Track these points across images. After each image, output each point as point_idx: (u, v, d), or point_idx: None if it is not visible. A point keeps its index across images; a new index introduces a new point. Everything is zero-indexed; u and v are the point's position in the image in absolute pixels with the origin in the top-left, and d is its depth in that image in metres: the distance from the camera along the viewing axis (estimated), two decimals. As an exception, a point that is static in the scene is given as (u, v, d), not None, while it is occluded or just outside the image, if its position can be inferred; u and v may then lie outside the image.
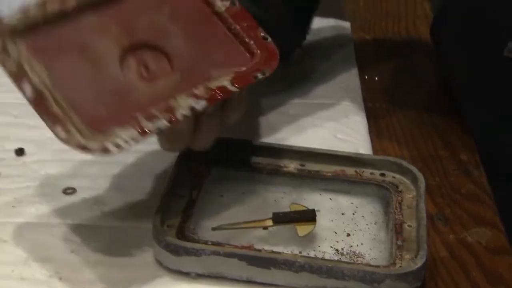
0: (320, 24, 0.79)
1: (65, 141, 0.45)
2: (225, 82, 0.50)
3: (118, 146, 0.45)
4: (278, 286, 0.49)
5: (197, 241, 0.50)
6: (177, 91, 0.49)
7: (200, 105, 0.48)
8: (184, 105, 0.48)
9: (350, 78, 0.72)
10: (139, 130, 0.46)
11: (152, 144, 0.61)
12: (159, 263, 0.50)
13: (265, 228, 0.52)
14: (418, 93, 0.72)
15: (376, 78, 0.73)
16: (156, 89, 0.49)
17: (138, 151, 0.61)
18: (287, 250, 0.50)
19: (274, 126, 0.65)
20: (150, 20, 0.51)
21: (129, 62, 0.49)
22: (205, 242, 0.50)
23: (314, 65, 0.74)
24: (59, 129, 0.45)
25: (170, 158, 0.57)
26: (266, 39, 0.53)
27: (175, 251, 0.49)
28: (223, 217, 0.53)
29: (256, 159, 0.58)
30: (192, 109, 0.48)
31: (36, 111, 0.46)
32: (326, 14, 0.81)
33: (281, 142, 0.60)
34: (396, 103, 0.69)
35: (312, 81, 0.72)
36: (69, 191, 0.57)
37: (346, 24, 0.80)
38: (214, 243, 0.50)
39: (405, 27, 0.81)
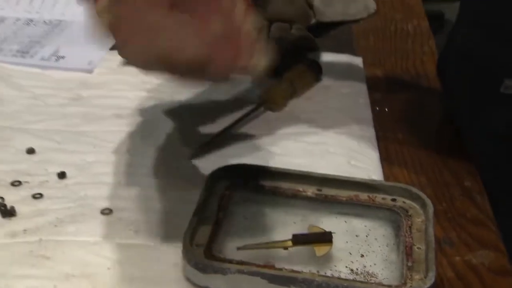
0: (333, 59, 0.80)
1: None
2: None
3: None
4: (297, 303, 0.49)
5: (223, 260, 0.51)
6: None
7: None
8: None
9: (362, 109, 0.73)
10: None
11: (182, 169, 0.63)
12: (188, 280, 0.51)
13: (286, 248, 0.52)
14: (425, 124, 0.72)
15: (387, 110, 0.73)
16: None
17: (170, 175, 0.62)
18: (306, 269, 0.51)
19: (293, 153, 0.66)
20: None
21: None
22: (231, 261, 0.50)
23: (327, 97, 0.75)
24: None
25: (199, 183, 0.58)
26: None
27: (203, 269, 0.49)
28: (247, 238, 0.54)
29: (277, 184, 0.59)
30: None
31: None
32: (339, 50, 0.82)
33: (300, 168, 0.60)
34: (405, 133, 0.70)
35: (326, 111, 0.72)
36: (106, 211, 0.57)
37: (358, 60, 0.81)
38: (238, 262, 0.50)
39: (413, 63, 0.81)
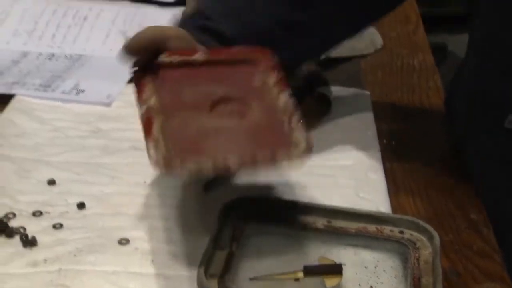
0: (342, 92, 0.81)
1: (152, 156, 0.49)
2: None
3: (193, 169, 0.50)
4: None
5: (236, 291, 0.50)
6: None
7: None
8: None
9: (370, 141, 0.73)
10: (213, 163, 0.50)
11: (197, 200, 0.63)
12: (202, 309, 0.50)
13: (297, 279, 0.52)
14: (431, 156, 0.72)
15: (394, 142, 0.73)
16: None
17: (185, 205, 0.62)
18: (314, 300, 0.50)
19: (303, 186, 0.66)
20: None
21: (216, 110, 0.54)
22: (244, 292, 0.50)
23: (336, 130, 0.75)
24: (151, 145, 0.50)
25: (212, 215, 0.58)
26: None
27: (217, 299, 0.49)
28: (259, 269, 0.53)
29: (288, 216, 0.59)
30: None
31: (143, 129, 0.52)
32: (347, 84, 0.82)
33: (310, 200, 0.60)
34: (412, 165, 0.69)
35: (335, 144, 0.72)
36: (123, 241, 0.57)
37: (366, 93, 0.81)
38: (251, 293, 0.50)
39: (419, 97, 0.81)
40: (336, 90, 0.80)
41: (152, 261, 0.55)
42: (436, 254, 0.53)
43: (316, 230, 0.57)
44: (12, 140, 0.70)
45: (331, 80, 0.81)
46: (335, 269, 0.52)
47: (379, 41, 0.90)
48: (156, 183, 0.65)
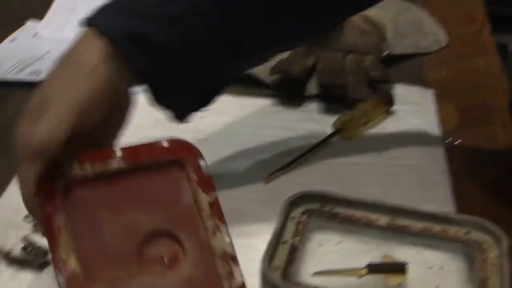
0: (405, 91, 0.79)
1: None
2: None
3: None
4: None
5: (299, 284, 0.50)
6: None
7: None
8: None
9: (434, 141, 0.72)
10: None
11: (259, 193, 0.63)
12: (265, 301, 0.51)
13: (360, 276, 0.52)
14: (497, 158, 0.70)
15: (458, 142, 0.72)
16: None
17: (247, 198, 0.63)
18: (377, 298, 0.50)
19: (366, 183, 0.65)
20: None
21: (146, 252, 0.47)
22: (307, 286, 0.50)
23: (399, 128, 0.74)
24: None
25: (275, 207, 0.58)
26: None
27: (277, 292, 0.49)
28: (321, 264, 0.53)
29: (351, 212, 0.58)
30: None
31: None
32: (410, 82, 0.81)
33: (372, 198, 0.60)
34: (476, 166, 0.68)
35: (398, 143, 0.72)
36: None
37: (430, 92, 0.80)
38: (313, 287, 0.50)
39: (484, 98, 0.80)
40: (399, 88, 0.79)
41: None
42: (504, 256, 0.52)
43: (379, 228, 0.57)
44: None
45: (394, 77, 0.80)
46: (399, 268, 0.51)
47: (443, 39, 0.89)
48: (217, 177, 0.65)
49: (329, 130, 0.71)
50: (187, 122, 0.57)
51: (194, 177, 0.49)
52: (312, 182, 0.65)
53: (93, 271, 0.43)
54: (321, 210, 0.58)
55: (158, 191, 0.47)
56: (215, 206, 0.49)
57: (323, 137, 0.71)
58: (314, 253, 0.55)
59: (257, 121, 0.72)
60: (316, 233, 0.57)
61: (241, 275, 0.48)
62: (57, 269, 0.42)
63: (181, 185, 0.48)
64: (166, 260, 0.47)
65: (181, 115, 0.56)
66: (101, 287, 0.43)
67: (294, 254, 0.54)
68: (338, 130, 0.72)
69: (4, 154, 0.51)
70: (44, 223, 0.43)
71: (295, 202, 0.58)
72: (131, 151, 0.47)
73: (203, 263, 0.47)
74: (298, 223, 0.57)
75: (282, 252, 0.53)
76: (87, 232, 0.44)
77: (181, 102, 0.55)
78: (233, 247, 0.49)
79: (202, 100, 0.57)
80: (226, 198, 0.62)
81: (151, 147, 0.48)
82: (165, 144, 0.48)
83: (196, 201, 0.48)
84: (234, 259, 0.49)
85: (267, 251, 0.52)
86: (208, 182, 0.49)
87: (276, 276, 0.51)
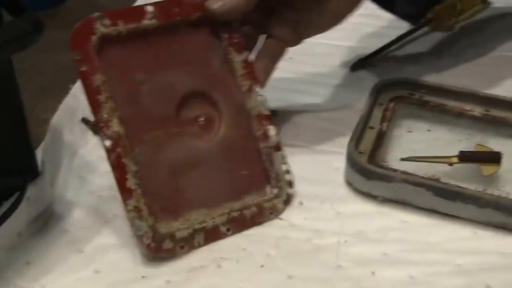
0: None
1: (139, 233, 0.41)
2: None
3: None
4: (459, 218, 0.46)
5: (387, 168, 0.49)
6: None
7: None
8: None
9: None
10: None
11: (345, 80, 0.60)
12: (350, 184, 0.49)
13: (451, 164, 0.50)
14: None
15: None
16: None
17: (333, 84, 0.61)
18: (471, 187, 0.48)
19: (458, 74, 0.62)
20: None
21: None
22: (394, 171, 0.48)
23: (497, 22, 0.70)
24: (132, 214, 0.41)
25: (362, 93, 0.56)
26: None
27: (367, 175, 0.48)
28: (409, 150, 0.51)
29: (442, 101, 0.56)
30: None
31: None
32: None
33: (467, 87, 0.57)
34: None
35: (496, 35, 0.68)
36: (271, 112, 0.56)
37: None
38: (403, 172, 0.48)
39: None
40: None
41: (298, 135, 0.55)
42: None
43: (473, 118, 0.54)
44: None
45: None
46: (493, 157, 0.49)
47: None
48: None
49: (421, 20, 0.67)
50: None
51: (225, 36, 0.47)
52: (400, 70, 0.62)
53: (134, 133, 0.42)
54: (411, 97, 0.56)
55: (190, 51, 0.46)
56: (248, 66, 0.47)
57: (414, 27, 0.67)
58: (402, 140, 0.53)
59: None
60: (404, 120, 0.55)
61: (276, 135, 0.47)
62: (101, 131, 0.41)
63: (212, 44, 0.47)
64: (202, 121, 0.46)
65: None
66: (143, 148, 0.43)
67: (381, 139, 0.52)
68: (429, 20, 0.68)
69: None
70: (82, 82, 0.41)
71: (383, 88, 0.56)
72: (162, 6, 0.45)
73: (238, 124, 0.47)
74: (385, 109, 0.55)
75: (369, 137, 0.52)
76: (124, 93, 0.43)
77: None
78: (267, 107, 0.48)
79: None
80: (312, 82, 0.61)
81: (181, 2, 0.46)
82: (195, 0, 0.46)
83: (228, 61, 0.47)
84: (268, 119, 0.48)
85: (353, 135, 0.51)
86: (239, 41, 0.47)
87: (362, 160, 0.49)
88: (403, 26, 0.65)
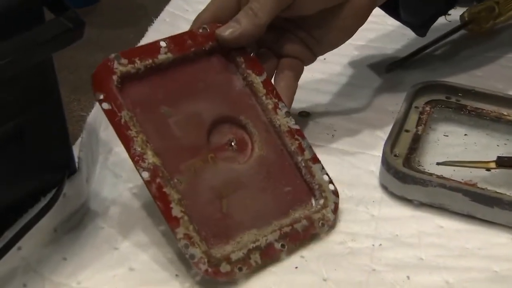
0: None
1: (196, 260, 0.40)
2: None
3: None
4: (496, 224, 0.46)
5: (423, 173, 0.48)
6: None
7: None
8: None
9: None
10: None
11: (382, 82, 0.60)
12: (384, 187, 0.49)
13: (488, 169, 0.49)
14: None
15: None
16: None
17: (368, 86, 0.60)
18: (508, 192, 0.47)
19: (496, 78, 0.61)
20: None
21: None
22: (430, 175, 0.48)
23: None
24: (184, 241, 0.41)
25: (397, 96, 0.56)
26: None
27: (403, 178, 0.47)
28: (445, 155, 0.51)
29: (479, 105, 0.55)
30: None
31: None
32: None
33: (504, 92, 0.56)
34: None
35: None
36: (303, 114, 0.57)
37: None
38: (439, 177, 0.48)
39: None
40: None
41: (333, 136, 0.54)
42: None
43: (511, 123, 0.53)
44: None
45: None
46: (532, 163, 0.48)
47: None
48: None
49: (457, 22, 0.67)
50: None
51: (241, 60, 0.47)
52: (437, 73, 0.61)
53: (170, 163, 0.42)
54: (447, 100, 0.56)
55: (210, 79, 0.46)
56: (269, 85, 0.48)
57: (450, 29, 0.66)
58: (437, 144, 0.52)
59: (379, 10, 0.68)
60: (440, 124, 0.54)
61: (310, 147, 0.47)
62: (138, 164, 0.41)
63: (230, 70, 0.47)
64: (234, 145, 0.46)
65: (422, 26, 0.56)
66: (182, 177, 0.42)
67: (416, 143, 0.51)
68: (466, 23, 0.67)
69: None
70: (110, 121, 0.41)
71: (419, 91, 0.56)
72: (175, 40, 0.45)
73: (270, 143, 0.47)
74: (421, 113, 0.54)
75: (404, 141, 0.51)
76: (153, 127, 0.43)
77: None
78: (295, 122, 0.48)
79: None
80: (345, 84, 0.60)
81: (193, 34, 0.46)
82: (206, 30, 0.47)
83: (249, 84, 0.47)
84: (299, 132, 0.47)
85: (389, 138, 0.50)
86: (256, 63, 0.48)
87: (397, 163, 0.49)
88: (440, 28, 0.65)
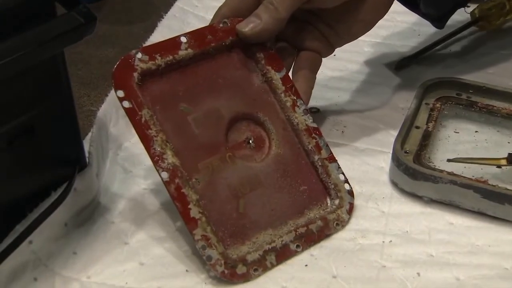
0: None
1: (212, 261, 0.41)
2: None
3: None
4: (507, 221, 0.46)
5: (434, 169, 0.48)
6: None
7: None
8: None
9: None
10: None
11: (390, 79, 0.60)
12: (394, 184, 0.49)
13: (499, 166, 0.49)
14: None
15: None
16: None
17: (376, 83, 0.60)
18: (520, 190, 0.47)
19: (508, 75, 0.61)
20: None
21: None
22: (441, 171, 0.48)
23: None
24: (201, 242, 0.41)
25: (407, 93, 0.56)
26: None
27: (414, 175, 0.47)
28: (456, 151, 0.51)
29: (491, 102, 0.55)
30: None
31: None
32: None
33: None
34: None
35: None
36: (313, 109, 0.56)
37: None
38: (449, 173, 0.47)
39: None
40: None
41: (343, 132, 0.54)
42: None
43: (522, 120, 0.53)
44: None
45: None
46: (544, 161, 0.48)
47: None
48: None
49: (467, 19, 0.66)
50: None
51: (261, 55, 0.47)
52: (446, 70, 0.61)
53: (188, 162, 0.42)
54: (458, 97, 0.55)
55: (229, 75, 0.46)
56: (289, 82, 0.47)
57: (460, 27, 0.66)
58: (448, 140, 0.52)
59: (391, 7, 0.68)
60: (451, 120, 0.54)
61: (327, 145, 0.47)
62: (157, 164, 0.41)
63: (249, 66, 0.47)
64: (252, 143, 0.46)
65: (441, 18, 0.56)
66: (200, 177, 0.42)
67: (427, 139, 0.51)
68: (476, 20, 0.67)
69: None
70: (130, 119, 0.41)
71: (430, 87, 0.55)
72: (195, 35, 0.45)
73: (288, 140, 0.46)
74: (432, 109, 0.54)
75: (415, 137, 0.51)
76: (172, 125, 0.42)
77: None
78: (312, 120, 0.47)
79: None
80: (356, 80, 0.60)
81: (213, 29, 0.46)
82: (227, 24, 0.46)
83: (268, 80, 0.47)
84: (316, 131, 0.47)
85: (399, 135, 0.50)
86: (276, 59, 0.47)
87: (408, 160, 0.48)
88: (450, 25, 0.64)
